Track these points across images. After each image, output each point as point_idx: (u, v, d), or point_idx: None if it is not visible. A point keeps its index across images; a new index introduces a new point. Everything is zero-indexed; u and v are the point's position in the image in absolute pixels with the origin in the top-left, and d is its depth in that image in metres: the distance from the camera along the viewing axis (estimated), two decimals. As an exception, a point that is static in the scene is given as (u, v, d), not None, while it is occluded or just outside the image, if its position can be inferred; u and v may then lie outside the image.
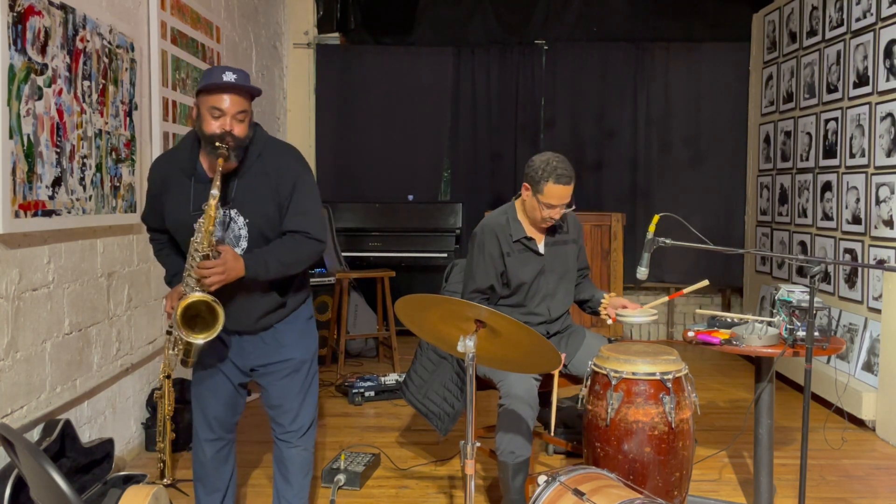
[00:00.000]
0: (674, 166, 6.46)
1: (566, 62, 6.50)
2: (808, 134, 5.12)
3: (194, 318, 2.24)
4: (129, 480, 3.03)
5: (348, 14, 6.61)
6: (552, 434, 3.10)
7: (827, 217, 4.84)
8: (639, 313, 2.91)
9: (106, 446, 3.13)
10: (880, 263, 4.18)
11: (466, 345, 2.18)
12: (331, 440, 3.96)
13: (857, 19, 4.48)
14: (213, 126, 2.22)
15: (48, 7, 2.82)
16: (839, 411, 4.14)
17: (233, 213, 2.33)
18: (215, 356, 2.46)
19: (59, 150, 2.90)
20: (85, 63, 3.10)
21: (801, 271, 5.25)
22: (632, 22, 6.49)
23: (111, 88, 3.34)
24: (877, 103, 4.26)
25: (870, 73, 4.34)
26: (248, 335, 2.46)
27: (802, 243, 5.21)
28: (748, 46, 6.22)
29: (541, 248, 3.00)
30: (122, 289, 3.52)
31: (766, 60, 5.90)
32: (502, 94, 6.56)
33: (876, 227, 4.26)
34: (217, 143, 2.20)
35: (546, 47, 6.53)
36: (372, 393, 4.65)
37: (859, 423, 4.16)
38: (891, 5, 4.12)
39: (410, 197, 6.43)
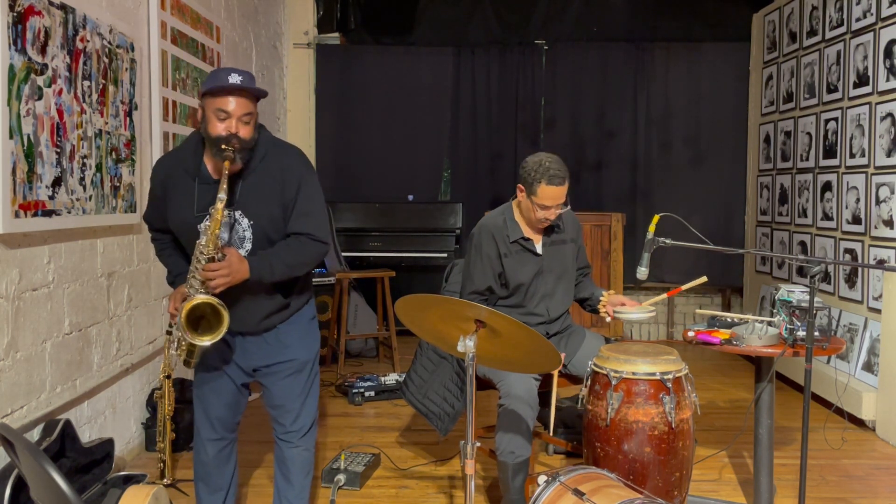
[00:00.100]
0: (674, 166, 6.46)
1: (566, 62, 6.50)
2: (808, 134, 5.12)
3: (199, 319, 2.25)
4: (129, 480, 3.03)
5: (348, 14, 6.62)
6: (552, 434, 3.10)
7: (827, 217, 4.84)
8: (637, 310, 2.91)
9: (106, 446, 3.12)
10: (880, 263, 4.18)
11: (466, 345, 2.18)
12: (331, 440, 3.96)
13: (857, 19, 4.48)
14: (219, 128, 2.22)
15: (48, 7, 2.82)
16: (839, 411, 4.14)
17: (237, 214, 2.33)
18: (218, 357, 2.46)
19: (59, 150, 2.90)
20: (85, 63, 3.10)
21: (801, 271, 5.25)
22: (632, 22, 6.49)
23: (111, 88, 3.34)
24: (877, 103, 4.26)
25: (870, 73, 4.34)
26: (251, 336, 2.46)
27: (802, 243, 5.21)
28: (748, 46, 6.22)
29: (538, 249, 3.00)
30: (122, 289, 3.52)
31: (766, 60, 5.90)
32: (502, 94, 6.56)
33: (876, 227, 4.26)
34: (223, 146, 2.20)
35: (546, 47, 6.53)
36: (372, 393, 4.65)
37: (859, 423, 4.16)
38: (891, 5, 4.12)
39: (410, 197, 6.43)
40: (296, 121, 6.58)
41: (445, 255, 6.04)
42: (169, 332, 3.51)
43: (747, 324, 2.91)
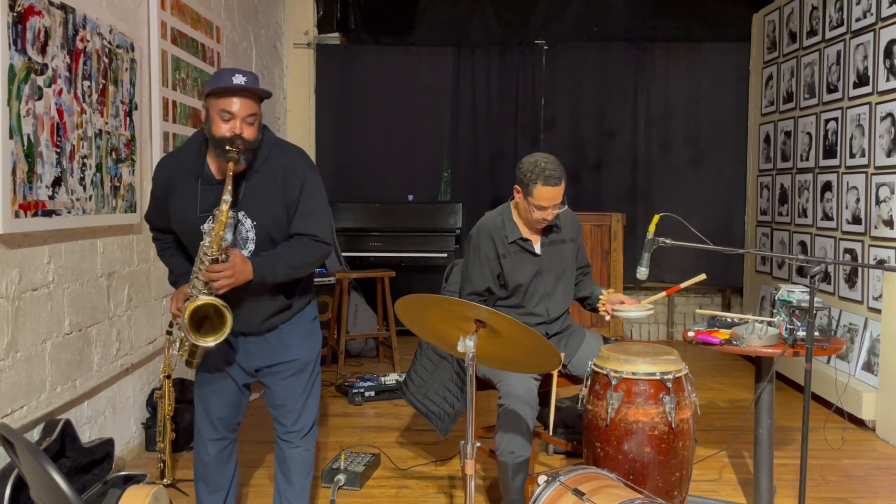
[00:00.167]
0: (674, 166, 6.46)
1: (566, 62, 6.50)
2: (808, 134, 5.12)
3: (202, 320, 2.25)
4: (129, 480, 3.03)
5: (348, 14, 6.62)
6: (552, 434, 3.10)
7: (827, 217, 4.84)
8: (635, 308, 2.91)
9: (106, 446, 3.12)
10: (880, 263, 4.18)
11: (466, 345, 2.18)
12: (331, 440, 3.96)
13: (857, 19, 4.48)
14: (223, 129, 2.22)
15: (48, 7, 2.82)
16: (839, 411, 4.14)
17: (240, 215, 2.33)
18: (220, 357, 2.46)
19: (59, 150, 2.90)
20: (85, 63, 3.10)
21: (801, 271, 5.25)
22: (632, 22, 6.49)
23: (111, 88, 3.34)
24: (877, 103, 4.26)
25: (870, 73, 4.34)
26: (253, 336, 2.46)
27: (802, 243, 5.21)
28: (748, 46, 6.22)
29: (537, 249, 3.00)
30: (122, 289, 3.52)
31: (766, 60, 5.90)
32: (502, 94, 6.56)
33: (876, 227, 4.26)
34: (227, 147, 2.20)
35: (546, 47, 6.53)
36: (372, 393, 4.65)
37: (859, 423, 4.16)
38: (891, 5, 4.12)
39: (410, 197, 6.43)
40: (296, 121, 6.58)
41: (445, 255, 6.04)
42: (169, 332, 3.51)
43: (747, 324, 2.91)
